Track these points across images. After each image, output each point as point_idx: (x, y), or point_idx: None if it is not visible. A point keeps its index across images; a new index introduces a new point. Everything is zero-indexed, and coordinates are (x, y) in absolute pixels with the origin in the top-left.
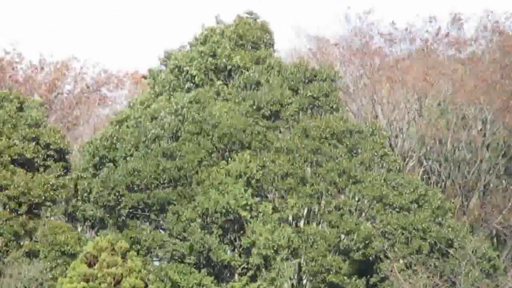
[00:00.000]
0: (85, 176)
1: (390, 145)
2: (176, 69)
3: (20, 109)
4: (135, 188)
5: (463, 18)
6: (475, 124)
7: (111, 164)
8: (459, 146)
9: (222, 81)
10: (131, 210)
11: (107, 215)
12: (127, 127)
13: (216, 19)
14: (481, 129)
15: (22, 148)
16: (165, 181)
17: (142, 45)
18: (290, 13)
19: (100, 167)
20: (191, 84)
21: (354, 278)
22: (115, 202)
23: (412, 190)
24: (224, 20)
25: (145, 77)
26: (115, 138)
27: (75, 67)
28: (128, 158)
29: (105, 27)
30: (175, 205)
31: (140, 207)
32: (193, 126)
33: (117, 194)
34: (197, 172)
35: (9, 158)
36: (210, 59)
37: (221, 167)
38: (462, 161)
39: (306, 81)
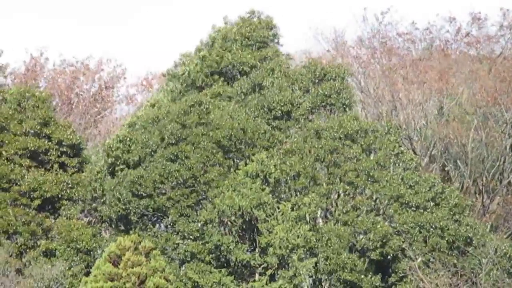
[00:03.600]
0: (99, 176)
1: (412, 145)
2: (185, 75)
3: (27, 103)
4: (142, 195)
5: (482, 17)
6: (496, 124)
7: (124, 167)
8: (480, 146)
9: (227, 83)
10: (141, 215)
11: (120, 220)
12: (138, 130)
13: (224, 20)
14: (502, 130)
15: (31, 143)
16: (173, 184)
17: (162, 46)
18: (307, 14)
19: (114, 168)
20: (193, 90)
21: (370, 276)
22: (125, 211)
23: (428, 188)
24: (232, 21)
25: (164, 75)
26: (128, 140)
27: (91, 66)
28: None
29: (119, 29)
30: (184, 208)
31: (149, 212)
32: (195, 129)
33: (125, 202)
34: (204, 173)
35: (15, 152)
36: (210, 62)
37: (239, 168)
38: (483, 161)
39: (317, 80)
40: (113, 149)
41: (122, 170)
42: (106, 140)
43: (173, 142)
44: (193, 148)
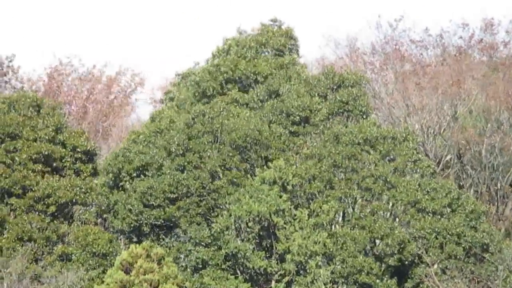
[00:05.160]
0: (110, 184)
1: (425, 151)
2: (196, 85)
3: (38, 111)
4: (153, 205)
5: (495, 24)
6: (509, 129)
7: (128, 178)
8: (493, 152)
9: (242, 91)
10: (153, 225)
11: (132, 232)
12: (141, 142)
13: (237, 30)
14: None
15: (44, 148)
16: (183, 194)
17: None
18: (320, 21)
19: (117, 181)
20: (205, 99)
21: (385, 279)
22: (137, 222)
23: (445, 194)
24: (247, 30)
25: (162, 101)
26: (130, 153)
27: (108, 72)
28: (141, 176)
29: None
30: (193, 216)
31: (160, 223)
32: (202, 139)
33: (136, 213)
34: (212, 181)
35: (29, 158)
36: (225, 70)
37: (256, 174)
38: (497, 166)
39: (334, 87)
40: (115, 163)
41: (126, 181)
42: (109, 154)
43: (180, 153)
44: (200, 158)
